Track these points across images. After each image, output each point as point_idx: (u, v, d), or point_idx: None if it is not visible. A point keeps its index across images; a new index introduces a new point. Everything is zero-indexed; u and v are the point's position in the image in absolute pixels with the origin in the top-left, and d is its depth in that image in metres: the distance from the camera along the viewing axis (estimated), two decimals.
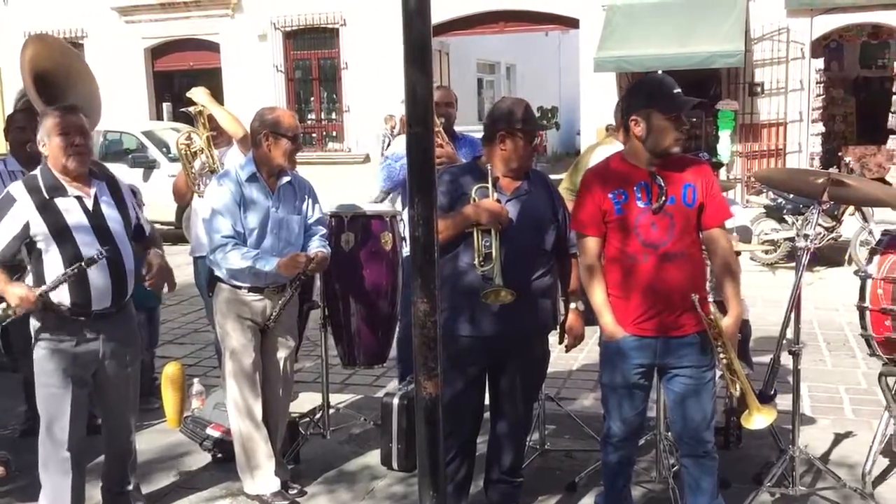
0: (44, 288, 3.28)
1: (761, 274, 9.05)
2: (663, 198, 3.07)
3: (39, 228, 3.30)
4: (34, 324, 3.40)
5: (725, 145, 13.65)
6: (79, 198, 3.39)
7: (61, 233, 3.31)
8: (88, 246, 3.32)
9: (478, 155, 3.65)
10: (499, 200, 3.36)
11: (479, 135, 3.67)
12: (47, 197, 3.33)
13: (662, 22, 13.18)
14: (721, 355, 3.14)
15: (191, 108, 4.64)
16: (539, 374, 3.69)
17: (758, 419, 3.17)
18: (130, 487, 3.77)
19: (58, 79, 4.52)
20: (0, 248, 3.29)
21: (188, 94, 4.69)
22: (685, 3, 13.35)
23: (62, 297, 3.33)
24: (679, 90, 3.10)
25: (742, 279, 3.33)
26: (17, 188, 3.36)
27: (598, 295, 3.19)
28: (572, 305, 3.58)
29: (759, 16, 13.31)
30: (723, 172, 13.44)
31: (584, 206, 3.20)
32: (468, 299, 3.33)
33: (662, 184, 3.08)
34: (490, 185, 3.36)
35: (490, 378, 3.56)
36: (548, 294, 3.50)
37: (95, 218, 3.40)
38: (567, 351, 3.73)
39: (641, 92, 3.19)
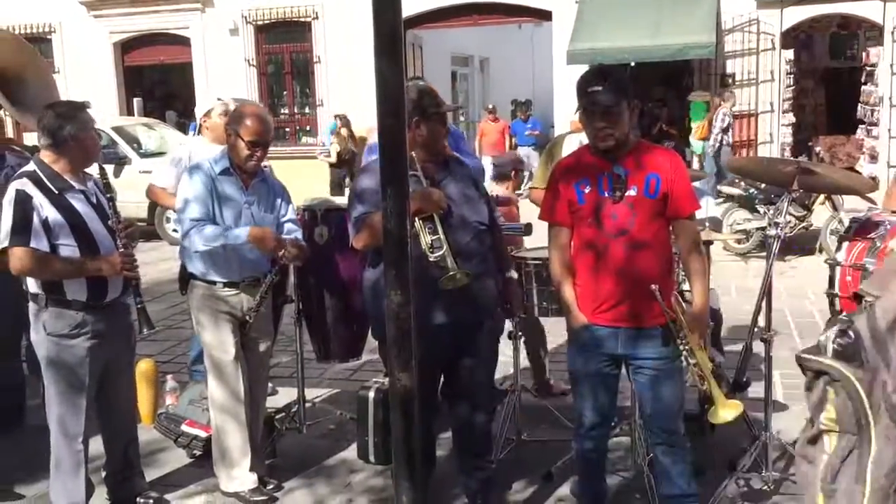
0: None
1: (734, 263, 9.13)
2: (623, 188, 3.09)
3: (56, 223, 3.33)
4: (46, 322, 3.39)
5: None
6: (83, 192, 3.46)
7: (77, 227, 3.37)
8: (103, 238, 3.41)
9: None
10: (432, 185, 3.38)
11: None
12: (56, 192, 3.38)
13: (635, 14, 13.23)
14: (681, 347, 3.12)
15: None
16: (496, 352, 3.70)
17: (723, 414, 3.14)
18: (135, 472, 3.82)
19: (10, 75, 4.49)
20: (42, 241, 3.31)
21: None
22: None
23: (77, 292, 3.37)
24: (597, 87, 3.05)
25: (715, 269, 3.34)
26: (26, 185, 3.34)
27: (562, 282, 3.24)
28: (507, 274, 3.68)
29: (730, 7, 13.40)
30: (695, 162, 13.56)
31: (552, 196, 3.27)
32: (427, 289, 3.25)
33: (622, 174, 3.10)
34: (420, 173, 3.34)
35: (447, 366, 3.55)
36: (492, 271, 3.55)
37: (100, 211, 3.47)
38: (509, 318, 3.85)
39: (577, 88, 3.20)
